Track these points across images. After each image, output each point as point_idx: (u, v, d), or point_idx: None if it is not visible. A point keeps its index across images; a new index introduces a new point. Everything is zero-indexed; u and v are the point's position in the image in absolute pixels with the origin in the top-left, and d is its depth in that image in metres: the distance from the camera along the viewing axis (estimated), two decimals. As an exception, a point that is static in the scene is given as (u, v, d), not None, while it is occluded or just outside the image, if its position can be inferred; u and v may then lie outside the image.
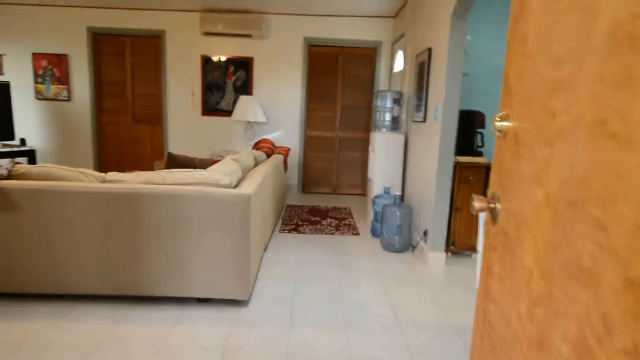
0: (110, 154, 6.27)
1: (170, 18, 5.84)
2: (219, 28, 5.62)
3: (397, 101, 4.49)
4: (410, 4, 4.56)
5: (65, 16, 5.92)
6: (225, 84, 5.96)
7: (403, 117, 4.60)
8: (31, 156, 5.96)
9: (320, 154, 6.13)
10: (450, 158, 3.40)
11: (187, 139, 6.11)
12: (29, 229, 2.49)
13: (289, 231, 4.12)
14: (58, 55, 6.01)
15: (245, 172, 3.26)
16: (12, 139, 5.90)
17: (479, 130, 3.85)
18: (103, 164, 6.29)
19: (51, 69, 6.06)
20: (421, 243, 3.67)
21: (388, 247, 3.77)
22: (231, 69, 5.94)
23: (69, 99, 6.11)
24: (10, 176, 2.61)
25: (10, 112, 5.82)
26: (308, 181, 6.22)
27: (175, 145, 6.12)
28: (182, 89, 6.00)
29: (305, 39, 5.83)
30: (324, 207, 5.20)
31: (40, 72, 6.07)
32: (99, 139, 6.24)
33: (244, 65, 5.91)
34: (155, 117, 6.14)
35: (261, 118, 5.58)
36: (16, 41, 6.01)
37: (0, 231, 2.49)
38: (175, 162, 2.82)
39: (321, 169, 6.17)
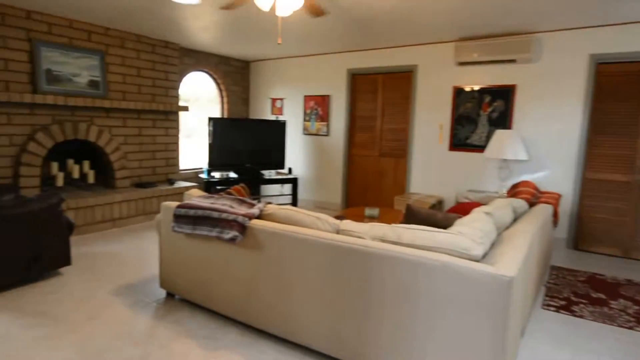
0: (357, 184, 6.41)
1: (423, 52, 5.58)
2: (475, 57, 5.01)
3: None
4: None
5: (330, 62, 6.42)
6: (478, 116, 5.26)
7: None
8: (294, 183, 6.63)
9: (604, 203, 4.63)
10: None
11: (431, 175, 5.66)
12: (267, 268, 2.49)
13: (557, 309, 3.07)
14: (322, 96, 6.56)
15: (500, 231, 2.53)
16: (283, 167, 6.73)
17: None
18: (350, 193, 6.49)
19: (316, 109, 6.65)
20: None
21: None
22: (487, 99, 5.20)
23: (327, 134, 6.57)
24: (261, 216, 2.67)
25: (284, 145, 6.66)
26: (583, 236, 4.79)
27: (418, 180, 5.76)
28: (429, 123, 5.62)
29: (592, 56, 4.55)
30: (610, 278, 3.81)
31: (308, 112, 6.75)
32: (348, 170, 6.47)
33: (502, 94, 5.08)
34: (400, 151, 5.95)
35: (522, 155, 4.62)
36: (294, 86, 6.88)
37: (247, 266, 2.57)
38: (414, 216, 2.36)
39: (605, 223, 4.65)
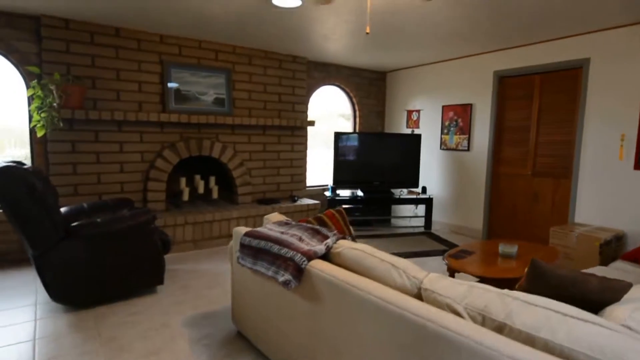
0: (502, 209, 5.15)
1: (597, 41, 4.15)
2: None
3: None
4: None
5: (473, 65, 5.37)
6: (687, 121, 3.63)
7: None
8: (428, 204, 5.76)
9: None
10: None
11: (607, 200, 4.13)
12: (324, 329, 1.81)
13: None
14: (463, 105, 5.54)
15: None
16: (417, 186, 5.91)
17: None
18: (493, 219, 5.25)
19: (456, 120, 5.66)
20: None
21: None
22: (703, 96, 3.55)
23: (467, 149, 5.50)
24: (329, 254, 2.03)
25: (418, 161, 5.85)
26: None
27: (587, 207, 4.28)
28: (605, 133, 4.13)
29: None
30: None
31: (446, 124, 5.80)
32: (492, 191, 5.26)
33: None
34: (561, 169, 4.54)
35: None
36: (431, 96, 6.02)
37: (306, 321, 1.93)
38: (544, 279, 1.40)
39: None
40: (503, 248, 3.11)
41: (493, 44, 4.77)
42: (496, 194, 5.24)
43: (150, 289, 3.39)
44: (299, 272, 1.91)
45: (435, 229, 5.90)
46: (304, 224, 2.41)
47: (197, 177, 4.95)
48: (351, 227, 3.13)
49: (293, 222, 2.47)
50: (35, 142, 4.13)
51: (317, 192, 6.16)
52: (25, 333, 2.66)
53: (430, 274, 1.63)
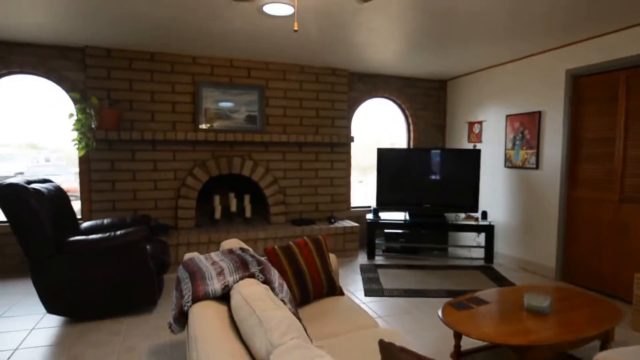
0: (582, 243, 4.08)
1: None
2: None
3: None
4: None
5: (541, 64, 4.46)
6: None
7: None
8: (489, 232, 4.90)
9: None
10: None
11: None
12: None
13: None
14: (530, 114, 4.62)
15: None
16: (476, 210, 5.08)
17: None
18: (570, 256, 4.19)
19: (522, 132, 4.75)
20: None
21: None
22: None
23: (536, 167, 4.55)
24: (229, 294, 1.64)
25: (478, 181, 5.04)
26: None
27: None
28: None
29: None
30: None
31: (511, 136, 4.90)
32: (568, 220, 4.22)
33: None
34: (659, 193, 3.43)
35: None
36: (494, 105, 5.18)
37: None
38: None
39: None
40: (529, 300, 2.33)
41: (565, 36, 3.85)
42: (573, 224, 4.19)
43: (147, 308, 3.29)
44: (181, 315, 1.56)
45: (499, 262, 4.95)
46: (245, 253, 2.05)
47: (231, 195, 4.85)
48: (332, 258, 2.66)
49: (238, 251, 2.12)
50: (82, 162, 4.42)
51: (362, 214, 5.64)
52: (12, 341, 2.72)
53: (292, 340, 1.16)
